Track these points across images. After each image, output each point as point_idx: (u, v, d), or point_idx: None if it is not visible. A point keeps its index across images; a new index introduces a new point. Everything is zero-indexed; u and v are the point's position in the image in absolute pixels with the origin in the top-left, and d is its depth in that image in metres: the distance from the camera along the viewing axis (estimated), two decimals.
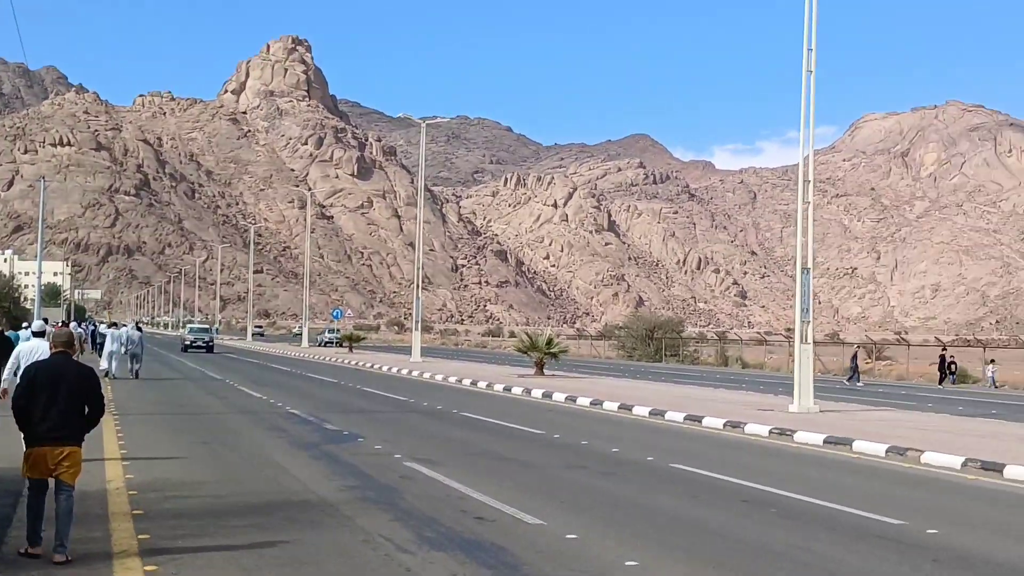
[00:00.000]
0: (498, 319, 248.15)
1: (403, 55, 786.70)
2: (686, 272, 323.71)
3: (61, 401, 9.72)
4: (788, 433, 22.48)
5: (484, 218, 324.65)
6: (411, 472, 16.13)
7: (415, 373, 49.33)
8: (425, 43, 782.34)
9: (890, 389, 48.10)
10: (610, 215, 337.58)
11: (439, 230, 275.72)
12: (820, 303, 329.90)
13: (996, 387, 51.84)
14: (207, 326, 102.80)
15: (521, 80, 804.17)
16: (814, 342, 29.74)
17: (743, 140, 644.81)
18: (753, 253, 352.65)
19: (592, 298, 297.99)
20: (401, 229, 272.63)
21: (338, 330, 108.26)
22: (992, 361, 54.70)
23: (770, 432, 23.07)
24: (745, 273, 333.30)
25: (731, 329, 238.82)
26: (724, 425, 24.90)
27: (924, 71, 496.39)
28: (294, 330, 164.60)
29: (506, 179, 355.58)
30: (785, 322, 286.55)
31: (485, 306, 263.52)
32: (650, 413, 28.21)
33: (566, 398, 33.56)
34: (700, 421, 25.86)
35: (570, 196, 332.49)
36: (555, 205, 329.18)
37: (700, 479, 15.95)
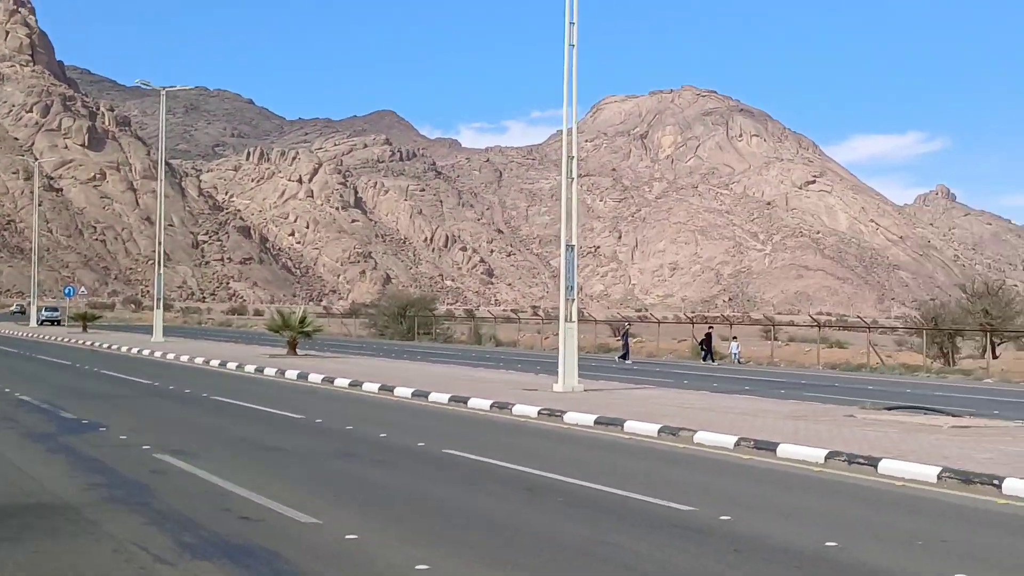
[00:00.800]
0: (242, 297, 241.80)
1: (135, 21, 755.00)
2: (433, 250, 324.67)
3: None
4: (558, 414, 22.06)
5: (226, 193, 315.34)
6: (163, 466, 14.64)
7: (158, 354, 46.75)
8: (159, 9, 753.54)
9: (644, 366, 48.94)
10: (356, 192, 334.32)
11: (178, 205, 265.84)
12: None
13: (740, 363, 53.64)
14: None
15: (262, 51, 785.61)
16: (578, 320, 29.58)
17: (488, 119, 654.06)
18: (500, 231, 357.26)
19: (339, 276, 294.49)
20: (137, 203, 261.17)
21: (57, 308, 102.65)
22: (735, 338, 56.67)
23: (539, 413, 22.59)
24: (492, 251, 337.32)
25: (479, 307, 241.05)
26: (491, 406, 24.31)
27: (662, 55, 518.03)
28: (12, 308, 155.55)
29: (248, 153, 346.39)
30: (531, 299, 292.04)
31: (228, 284, 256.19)
32: (413, 394, 27.36)
33: (323, 379, 32.34)
34: (466, 402, 25.19)
35: (315, 172, 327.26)
36: (300, 181, 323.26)
37: (477, 466, 15.18)
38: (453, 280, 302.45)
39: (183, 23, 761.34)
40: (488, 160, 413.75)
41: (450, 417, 22.87)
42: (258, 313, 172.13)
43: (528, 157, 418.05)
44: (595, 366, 44.81)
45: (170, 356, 45.05)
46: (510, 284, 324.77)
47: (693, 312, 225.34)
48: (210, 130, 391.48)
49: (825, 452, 15.80)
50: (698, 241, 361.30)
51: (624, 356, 52.84)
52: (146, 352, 48.52)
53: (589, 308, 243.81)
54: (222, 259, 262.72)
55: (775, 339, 68.75)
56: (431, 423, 21.44)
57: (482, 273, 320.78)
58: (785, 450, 16.45)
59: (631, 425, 19.93)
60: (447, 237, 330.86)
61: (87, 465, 14.63)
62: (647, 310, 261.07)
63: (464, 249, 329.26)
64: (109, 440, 17.44)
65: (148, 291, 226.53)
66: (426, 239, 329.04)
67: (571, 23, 28.65)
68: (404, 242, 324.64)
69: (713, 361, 52.93)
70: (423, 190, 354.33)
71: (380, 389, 28.93)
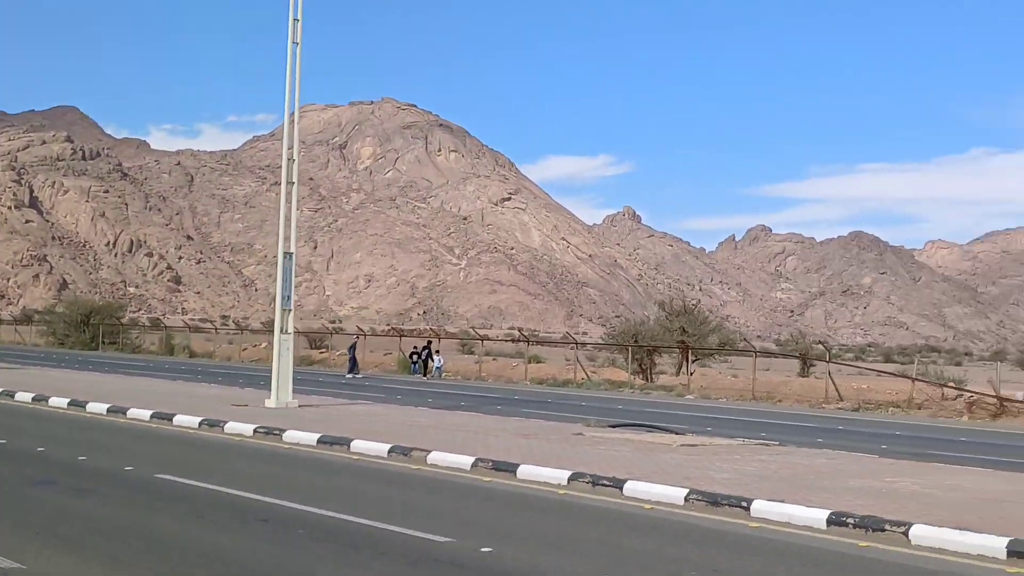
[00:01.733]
0: None
1: None
2: (116, 255, 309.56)
3: None
4: (277, 432, 20.61)
5: None
6: None
7: None
8: None
9: (351, 381, 47.74)
10: (32, 191, 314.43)
11: None
12: (257, 290, 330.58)
13: (443, 377, 53.25)
14: None
15: None
16: (296, 332, 28.07)
17: (180, 120, 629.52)
18: (189, 238, 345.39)
19: (9, 280, 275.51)
20: None
21: None
22: (438, 352, 56.23)
23: (255, 431, 21.08)
24: (180, 258, 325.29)
25: (164, 315, 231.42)
26: (200, 424, 22.54)
27: (362, 66, 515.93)
28: None
29: None
30: (221, 309, 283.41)
31: None
32: (109, 410, 25.10)
33: (1, 392, 29.34)
34: (171, 419, 23.28)
35: None
36: None
37: (199, 493, 13.65)
38: (137, 287, 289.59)
39: None
40: (179, 163, 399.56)
41: (155, 436, 21.00)
42: None
43: (222, 162, 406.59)
44: (299, 379, 43.10)
45: None
46: (199, 292, 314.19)
47: (388, 325, 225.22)
48: None
49: (568, 473, 15.25)
50: (394, 254, 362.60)
51: (352, 370, 51.59)
52: None
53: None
54: None
55: (477, 353, 69.02)
56: (135, 443, 19.55)
57: (169, 280, 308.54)
58: (526, 471, 15.80)
59: (359, 444, 18.80)
60: (132, 242, 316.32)
61: None
62: (341, 321, 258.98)
63: (150, 255, 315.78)
64: None
65: None
66: (108, 243, 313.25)
67: (295, 19, 27.35)
68: (84, 246, 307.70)
69: (426, 375, 52.38)
70: (107, 192, 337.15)
71: (70, 404, 26.44)
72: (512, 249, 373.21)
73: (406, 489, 14.69)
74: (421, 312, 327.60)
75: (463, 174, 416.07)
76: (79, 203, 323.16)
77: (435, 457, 17.29)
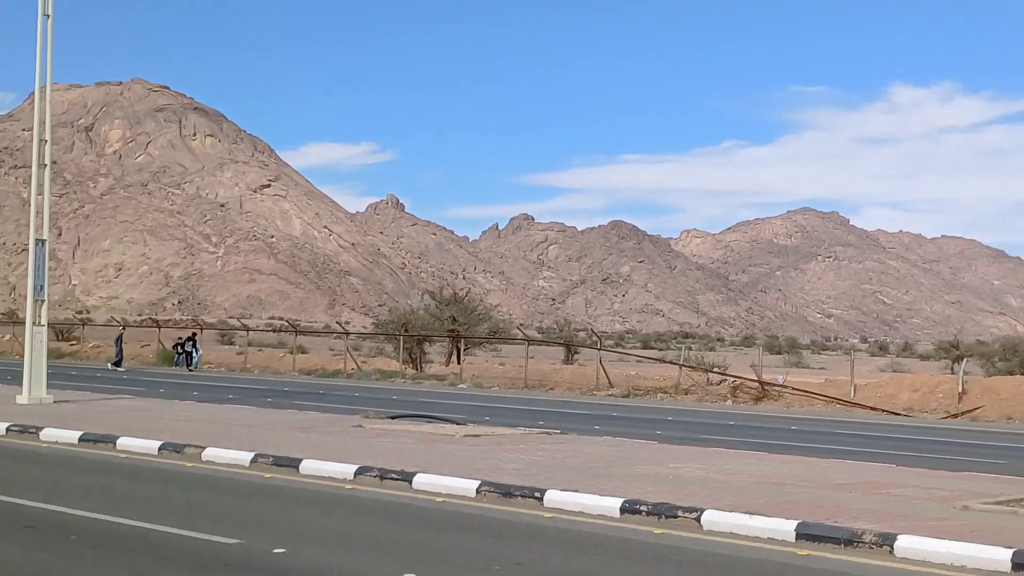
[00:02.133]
0: None
1: None
2: None
3: None
4: (32, 430, 19.26)
5: None
6: None
7: None
8: None
9: (109, 374, 45.51)
10: None
11: None
12: None
13: (200, 368, 51.44)
14: None
15: None
16: (48, 324, 26.39)
17: None
18: None
19: None
20: None
21: None
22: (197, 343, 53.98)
23: (8, 430, 19.64)
24: None
25: None
26: None
27: (110, 44, 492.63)
28: None
29: None
30: None
31: None
32: None
33: None
34: None
35: None
36: None
37: None
38: None
39: None
40: None
41: None
42: None
43: None
44: (52, 373, 40.69)
45: None
46: None
47: (141, 315, 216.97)
48: None
49: (354, 467, 14.80)
50: (147, 241, 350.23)
51: (118, 363, 49.07)
52: None
53: (22, 308, 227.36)
54: None
55: (238, 343, 67.16)
56: None
57: None
58: (310, 466, 15.26)
59: (126, 442, 17.76)
60: None
61: None
62: (89, 312, 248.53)
63: None
64: None
65: None
66: None
67: None
68: None
69: (191, 368, 50.48)
70: None
71: None
72: (272, 237, 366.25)
73: (185, 489, 13.91)
74: (176, 302, 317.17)
75: (220, 160, 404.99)
76: None
77: (211, 453, 16.52)
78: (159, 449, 17.14)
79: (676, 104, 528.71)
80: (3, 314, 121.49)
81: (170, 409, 24.97)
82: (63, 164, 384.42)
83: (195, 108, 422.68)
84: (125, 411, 23.72)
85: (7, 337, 64.38)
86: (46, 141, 26.21)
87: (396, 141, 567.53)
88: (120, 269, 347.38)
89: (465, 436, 19.22)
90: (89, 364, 54.39)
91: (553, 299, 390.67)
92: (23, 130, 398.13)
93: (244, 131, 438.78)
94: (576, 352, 73.46)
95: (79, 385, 33.99)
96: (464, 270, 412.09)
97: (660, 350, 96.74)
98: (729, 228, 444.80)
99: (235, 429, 19.89)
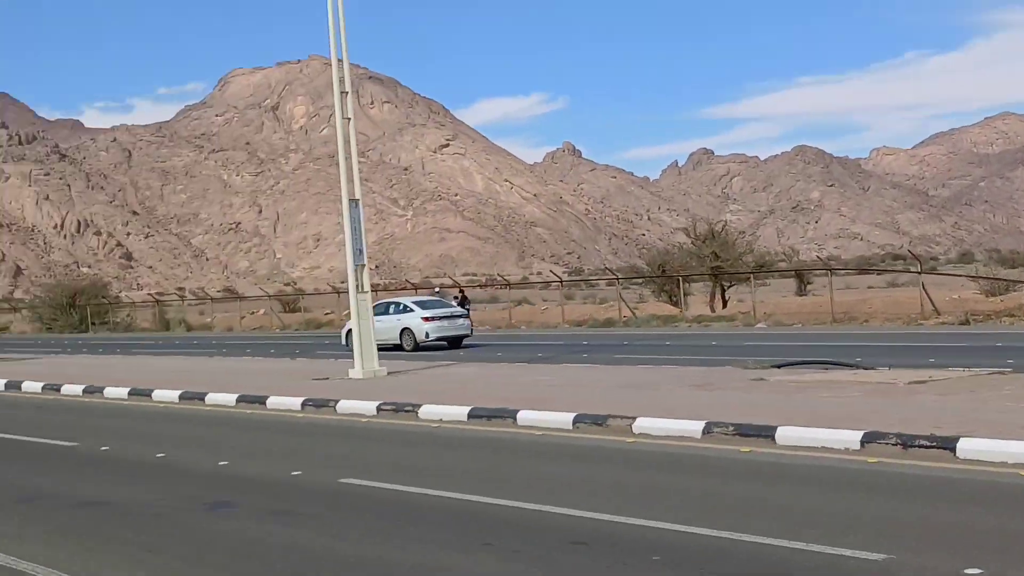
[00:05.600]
0: None
1: None
2: (65, 236, 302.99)
3: None
4: (409, 408, 17.72)
5: None
6: None
7: None
8: None
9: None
10: None
11: None
12: (208, 259, 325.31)
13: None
14: None
15: None
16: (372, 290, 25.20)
17: (112, 97, 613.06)
18: (135, 213, 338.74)
19: None
20: None
21: None
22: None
23: (379, 409, 18.20)
24: (128, 234, 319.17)
25: (120, 292, 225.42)
26: (304, 405, 19.69)
27: (285, 25, 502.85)
28: None
29: None
30: (175, 281, 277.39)
31: None
32: (181, 397, 22.16)
33: (44, 387, 26.27)
34: (263, 402, 20.39)
35: None
36: None
37: (430, 504, 10.58)
38: (90, 267, 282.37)
39: None
40: (115, 140, 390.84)
41: (266, 424, 18.19)
42: None
43: (157, 135, 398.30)
44: (327, 345, 39.75)
45: None
46: (151, 267, 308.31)
47: (343, 282, 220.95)
48: None
49: (859, 435, 12.31)
50: (340, 211, 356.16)
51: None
52: None
53: (236, 285, 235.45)
54: None
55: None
56: (254, 437, 16.66)
57: (120, 258, 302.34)
58: (787, 435, 13.01)
59: (528, 416, 15.89)
60: (79, 222, 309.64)
61: None
62: (296, 283, 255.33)
63: (99, 234, 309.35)
64: None
65: None
66: (56, 226, 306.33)
67: None
68: (32, 230, 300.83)
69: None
70: (47, 174, 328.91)
71: (131, 394, 23.48)
72: (456, 196, 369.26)
73: (700, 476, 11.83)
74: (374, 266, 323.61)
75: (398, 125, 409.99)
76: (21, 188, 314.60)
77: (643, 424, 14.50)
78: (573, 423, 15.22)
79: (848, 19, 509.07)
80: (223, 291, 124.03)
81: (513, 374, 23.29)
82: (256, 144, 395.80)
83: (370, 77, 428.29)
84: (476, 380, 22.08)
85: (261, 311, 64.89)
86: (347, 92, 24.83)
87: (565, 89, 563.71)
88: (319, 240, 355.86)
89: (911, 383, 16.68)
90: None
91: (742, 232, 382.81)
92: (216, 116, 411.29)
93: (418, 94, 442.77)
94: (808, 282, 70.06)
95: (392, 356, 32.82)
96: (648, 211, 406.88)
97: (879, 273, 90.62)
98: (922, 142, 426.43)
99: (626, 392, 17.90)
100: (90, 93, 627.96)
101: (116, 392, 23.95)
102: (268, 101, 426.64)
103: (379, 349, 39.73)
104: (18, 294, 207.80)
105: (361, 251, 24.07)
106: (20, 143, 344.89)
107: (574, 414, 15.48)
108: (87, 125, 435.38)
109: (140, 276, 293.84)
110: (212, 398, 21.43)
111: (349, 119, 24.94)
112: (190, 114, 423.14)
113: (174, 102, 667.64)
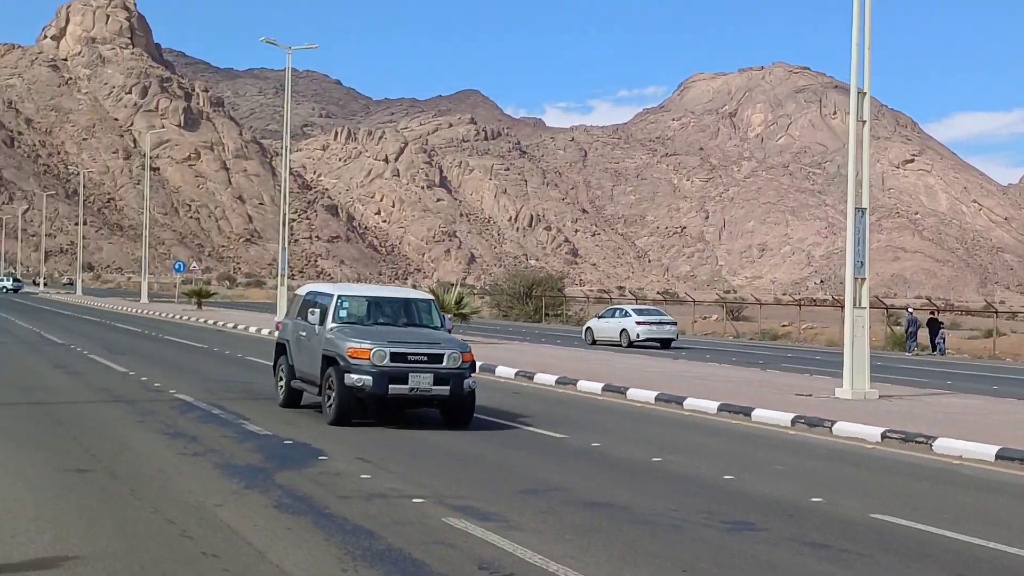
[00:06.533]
0: (329, 275, 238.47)
1: (227, 4, 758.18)
2: (517, 229, 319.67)
3: None
4: (921, 440, 15.86)
5: (314, 172, 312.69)
6: (471, 543, 8.81)
7: None
8: None
9: (828, 357, 42.14)
10: (441, 171, 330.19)
11: (269, 183, 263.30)
12: (651, 261, 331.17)
13: (943, 354, 46.59)
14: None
15: (349, 32, 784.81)
16: (870, 306, 23.40)
17: (573, 98, 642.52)
18: (584, 211, 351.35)
19: (424, 254, 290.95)
20: (230, 182, 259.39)
21: (14, 276, 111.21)
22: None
23: (884, 436, 16.45)
24: (576, 231, 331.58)
25: (565, 287, 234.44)
26: (794, 421, 18.29)
27: (750, 32, 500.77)
28: (63, 280, 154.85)
29: (336, 133, 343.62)
30: (616, 280, 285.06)
31: (316, 261, 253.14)
32: (658, 399, 21.44)
33: (517, 374, 26.58)
34: (748, 414, 19.21)
35: (401, 151, 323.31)
36: (386, 160, 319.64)
37: (961, 551, 9.01)
38: (537, 260, 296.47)
39: (271, 4, 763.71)
40: (573, 139, 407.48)
41: (754, 437, 17.09)
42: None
43: (613, 136, 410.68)
44: (787, 357, 38.08)
45: None
46: (594, 264, 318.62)
47: (784, 294, 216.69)
48: (299, 110, 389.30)
49: None
50: (788, 222, 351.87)
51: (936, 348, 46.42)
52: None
53: (675, 289, 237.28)
54: (310, 237, 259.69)
55: (998, 329, 61.41)
56: (754, 450, 15.51)
57: (566, 253, 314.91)
58: None
59: None
60: (531, 216, 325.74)
61: (371, 549, 8.74)
62: (735, 291, 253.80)
63: (548, 228, 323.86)
64: (352, 483, 11.58)
65: (239, 268, 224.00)
66: (510, 218, 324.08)
67: None
68: (488, 221, 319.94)
69: (942, 353, 46.06)
70: (507, 169, 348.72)
71: (605, 389, 23.08)
72: (916, 214, 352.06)
73: None
74: (818, 281, 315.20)
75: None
76: (483, 181, 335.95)
77: None
78: None
79: None
80: (662, 293, 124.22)
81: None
82: (709, 150, 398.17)
83: (835, 87, 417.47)
84: (984, 414, 19.71)
85: (715, 317, 64.27)
86: (864, 93, 23.11)
87: None
88: (763, 250, 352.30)
89: None
90: (806, 347, 52.00)
91: None
92: (673, 120, 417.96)
93: (885, 106, 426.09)
94: None
95: (887, 377, 30.88)
96: None
97: None
98: None
99: None
100: (553, 93, 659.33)
101: (589, 386, 23.69)
102: (726, 107, 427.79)
103: (604, 344, 42.84)
104: (470, 280, 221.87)
105: (863, 263, 22.28)
106: (485, 139, 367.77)
107: None
108: (548, 124, 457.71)
109: (583, 272, 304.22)
110: (690, 403, 20.59)
111: (864, 121, 23.28)
112: (647, 117, 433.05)
113: (632, 104, 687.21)
